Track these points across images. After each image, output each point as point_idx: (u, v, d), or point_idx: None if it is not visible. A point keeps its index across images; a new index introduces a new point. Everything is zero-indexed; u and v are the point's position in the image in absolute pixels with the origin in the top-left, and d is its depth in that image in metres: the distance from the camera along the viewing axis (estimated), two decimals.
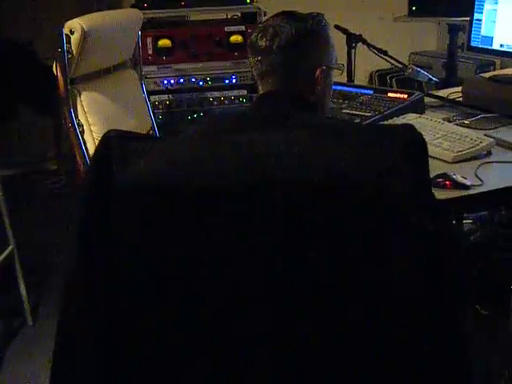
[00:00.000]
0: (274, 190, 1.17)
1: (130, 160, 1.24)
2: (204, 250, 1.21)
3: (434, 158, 2.14)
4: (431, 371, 1.21)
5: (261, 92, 1.65)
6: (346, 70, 3.23)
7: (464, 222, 3.63)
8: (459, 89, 2.82)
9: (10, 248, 3.01)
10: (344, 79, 3.22)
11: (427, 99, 2.82)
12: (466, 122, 2.51)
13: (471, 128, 2.42)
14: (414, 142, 1.21)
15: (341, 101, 2.69)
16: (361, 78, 4.99)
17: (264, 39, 1.62)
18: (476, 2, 2.81)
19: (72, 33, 2.42)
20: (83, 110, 2.51)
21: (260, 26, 1.67)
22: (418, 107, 2.62)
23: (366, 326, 1.20)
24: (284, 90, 1.60)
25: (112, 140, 1.27)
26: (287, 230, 1.18)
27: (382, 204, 1.17)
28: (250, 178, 1.20)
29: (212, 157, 1.24)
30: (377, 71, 5.22)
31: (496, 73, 2.97)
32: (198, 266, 1.21)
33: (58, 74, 2.48)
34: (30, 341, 2.97)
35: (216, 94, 3.59)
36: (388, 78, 5.10)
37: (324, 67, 1.64)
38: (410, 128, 1.25)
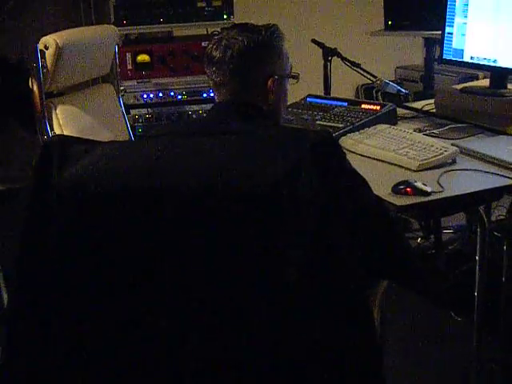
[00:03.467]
0: (164, 196, 1.23)
1: (68, 163, 1.29)
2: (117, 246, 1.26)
3: (399, 166, 2.19)
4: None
5: (216, 102, 1.71)
6: (322, 83, 3.29)
7: (444, 231, 3.67)
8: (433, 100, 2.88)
9: None
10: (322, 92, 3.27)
11: (403, 111, 2.87)
12: (435, 132, 2.56)
13: (440, 138, 2.47)
14: (322, 143, 1.25)
15: (315, 113, 2.74)
16: (347, 91, 5.04)
17: (218, 51, 1.68)
18: (447, 16, 2.87)
19: (46, 48, 2.48)
20: (59, 122, 2.57)
21: (216, 37, 1.73)
22: (390, 118, 2.67)
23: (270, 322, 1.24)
24: (236, 100, 1.66)
25: (53, 144, 1.32)
26: (170, 234, 1.24)
27: (282, 206, 1.21)
28: (144, 183, 1.25)
29: (129, 161, 1.30)
30: (363, 85, 5.27)
31: (467, 84, 3.02)
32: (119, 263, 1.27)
33: (34, 87, 2.54)
34: None
35: (194, 107, 3.65)
36: (374, 91, 5.15)
37: (276, 77, 1.70)
38: (321, 131, 1.30)
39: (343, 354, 1.24)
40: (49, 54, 2.49)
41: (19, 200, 4.87)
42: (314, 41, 3.35)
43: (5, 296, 3.11)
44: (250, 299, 1.23)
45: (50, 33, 2.59)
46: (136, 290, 1.27)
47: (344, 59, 3.12)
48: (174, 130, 1.62)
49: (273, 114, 1.71)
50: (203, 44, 3.68)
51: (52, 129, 2.56)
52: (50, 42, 2.48)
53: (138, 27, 3.66)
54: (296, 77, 1.79)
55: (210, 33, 3.95)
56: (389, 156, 2.25)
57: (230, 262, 1.24)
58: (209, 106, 3.64)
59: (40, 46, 2.49)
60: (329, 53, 3.26)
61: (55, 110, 2.59)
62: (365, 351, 1.25)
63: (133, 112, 3.52)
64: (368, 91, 5.24)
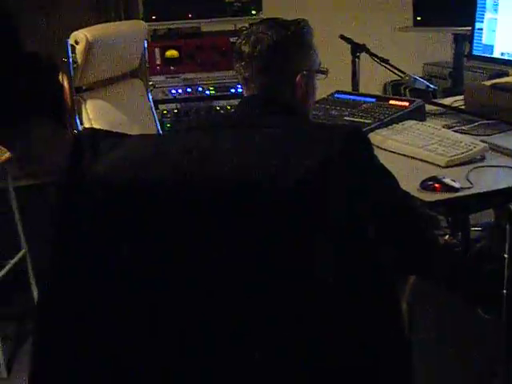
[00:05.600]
0: (194, 190, 1.23)
1: (99, 156, 1.30)
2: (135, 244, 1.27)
3: (427, 162, 2.18)
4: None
5: (244, 96, 1.71)
6: (350, 79, 3.29)
7: (472, 229, 3.64)
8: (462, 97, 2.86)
9: (23, 252, 3.10)
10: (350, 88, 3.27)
11: (431, 107, 2.85)
12: (464, 128, 2.54)
13: (469, 134, 2.45)
14: (352, 138, 1.25)
15: (343, 108, 2.74)
16: (374, 88, 5.03)
17: (247, 45, 1.68)
18: (477, 12, 2.85)
19: (77, 43, 2.51)
20: (88, 117, 2.59)
21: (245, 32, 1.73)
22: (419, 114, 2.65)
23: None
24: (264, 95, 1.66)
25: (83, 137, 1.33)
26: (199, 229, 1.24)
27: (311, 201, 1.21)
28: (174, 177, 1.26)
29: (159, 154, 1.30)
30: (390, 81, 5.24)
31: (497, 80, 2.99)
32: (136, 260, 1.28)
33: (65, 82, 2.57)
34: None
35: (222, 102, 3.66)
36: (401, 88, 5.13)
37: (305, 72, 1.70)
38: (351, 126, 1.29)
39: (372, 349, 1.24)
40: (79, 49, 2.51)
41: (48, 194, 4.93)
42: (342, 37, 3.35)
43: (34, 291, 3.15)
44: (279, 294, 1.23)
45: (79, 28, 2.62)
46: (165, 287, 1.28)
47: (372, 55, 3.11)
48: (203, 124, 1.62)
49: (301, 110, 1.71)
50: (231, 39, 3.69)
51: (82, 123, 2.59)
52: (80, 37, 2.51)
53: (166, 23, 3.68)
54: (325, 72, 1.79)
55: (238, 28, 3.96)
56: (417, 152, 2.24)
57: (260, 256, 1.24)
58: (236, 102, 3.65)
59: (71, 41, 2.51)
60: (357, 49, 3.26)
61: (85, 104, 2.61)
62: (394, 347, 1.25)
63: (161, 107, 3.54)
64: (396, 87, 5.22)
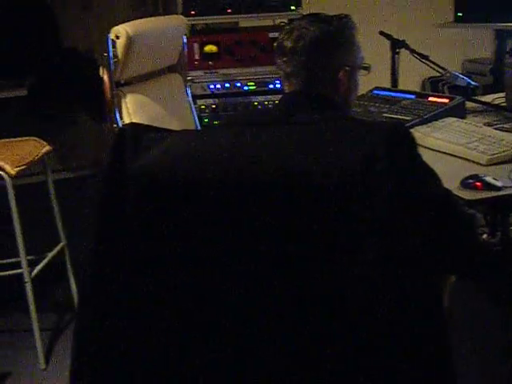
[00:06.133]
0: (235, 186, 1.23)
1: (141, 151, 1.31)
2: (186, 238, 1.27)
3: (468, 160, 2.16)
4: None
5: (286, 92, 1.71)
6: (390, 75, 3.26)
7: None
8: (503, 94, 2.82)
9: (61, 245, 3.13)
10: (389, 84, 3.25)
11: (472, 104, 2.82)
12: (506, 126, 2.51)
13: (511, 132, 2.42)
14: (397, 134, 1.24)
15: (382, 105, 2.73)
16: (412, 84, 4.99)
17: (289, 41, 1.68)
18: None
19: (117, 38, 2.52)
20: (128, 111, 2.61)
21: (287, 27, 1.73)
22: (459, 111, 2.63)
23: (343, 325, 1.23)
24: (306, 91, 1.66)
25: (126, 132, 1.34)
26: (241, 225, 1.24)
27: (354, 197, 1.20)
28: (216, 173, 1.25)
29: (203, 150, 1.30)
30: (429, 78, 5.20)
31: None
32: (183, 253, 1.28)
33: (105, 77, 2.59)
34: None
35: (260, 98, 3.65)
36: (440, 84, 5.08)
37: (348, 68, 1.69)
38: (395, 123, 1.28)
39: (414, 347, 1.23)
40: (120, 43, 2.53)
41: (86, 187, 4.99)
42: (381, 33, 3.32)
43: (72, 284, 3.19)
44: (321, 291, 1.23)
45: (118, 23, 2.64)
46: (207, 281, 1.28)
47: (413, 51, 3.09)
48: (245, 120, 1.62)
49: (343, 106, 1.71)
50: (270, 35, 3.68)
51: (121, 117, 2.61)
52: (121, 32, 2.52)
53: (205, 18, 3.68)
54: (367, 68, 1.78)
55: (276, 24, 3.95)
56: (458, 150, 2.22)
57: (302, 252, 1.24)
58: (275, 97, 3.66)
59: (111, 35, 2.53)
60: (397, 45, 3.23)
61: (125, 98, 2.63)
62: (435, 345, 1.24)
63: (199, 102, 3.55)
64: (434, 84, 5.17)
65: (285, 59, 1.69)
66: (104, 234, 1.38)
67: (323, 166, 1.22)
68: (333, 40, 1.68)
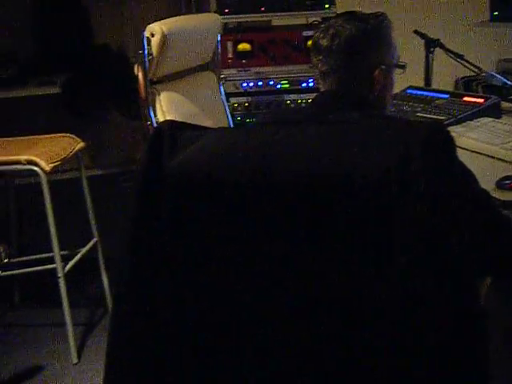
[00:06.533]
0: (273, 184, 1.23)
1: (178, 148, 1.32)
2: (222, 237, 1.27)
3: (503, 160, 2.14)
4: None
5: (321, 91, 1.70)
6: (423, 74, 3.24)
7: None
8: None
9: (94, 241, 3.16)
10: (422, 84, 3.23)
11: (507, 104, 2.79)
12: None
13: None
14: (435, 134, 1.23)
15: (416, 104, 2.71)
16: (445, 84, 4.94)
17: (325, 39, 1.67)
18: None
19: (152, 35, 2.54)
20: (161, 109, 2.62)
21: (323, 26, 1.72)
22: (494, 111, 2.60)
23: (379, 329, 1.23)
24: (341, 89, 1.65)
25: (163, 129, 1.34)
26: (281, 224, 1.24)
27: (391, 196, 1.19)
28: (253, 171, 1.25)
29: (238, 148, 1.30)
30: (462, 77, 5.15)
31: None
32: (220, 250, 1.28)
33: (139, 74, 2.60)
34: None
35: (293, 96, 3.65)
36: (474, 84, 5.03)
37: (384, 67, 1.68)
38: (434, 122, 1.27)
39: (450, 350, 1.22)
40: (154, 41, 2.54)
41: (118, 184, 5.02)
42: (416, 32, 3.30)
43: (105, 279, 3.21)
44: (357, 291, 1.23)
45: (150, 21, 2.65)
46: (246, 280, 1.28)
47: (447, 50, 3.06)
48: (280, 118, 1.62)
49: (378, 105, 1.69)
50: (304, 33, 3.68)
51: (155, 115, 2.62)
52: (156, 30, 2.53)
53: (239, 16, 3.68)
54: (403, 67, 1.76)
55: (310, 22, 3.94)
56: (493, 150, 2.20)
57: (336, 251, 1.23)
58: (307, 96, 3.65)
59: (146, 33, 2.54)
60: (431, 44, 3.21)
61: (159, 96, 2.64)
62: (473, 347, 1.23)
63: (232, 100, 3.55)
64: (468, 84, 5.11)
65: (320, 57, 1.69)
66: (139, 232, 1.39)
67: (358, 164, 1.22)
68: (369, 38, 1.66)
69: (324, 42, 1.67)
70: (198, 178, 1.29)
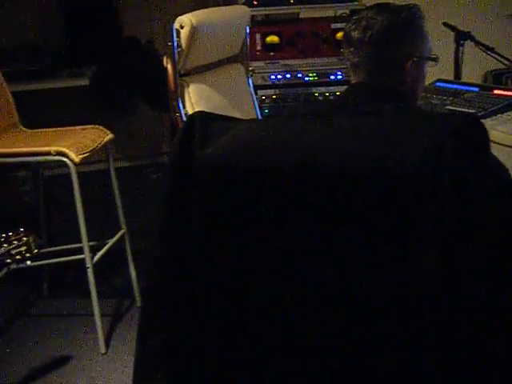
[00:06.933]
0: (304, 176, 1.22)
1: (209, 139, 1.32)
2: (259, 227, 1.27)
3: None
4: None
5: (352, 82, 1.70)
6: (453, 67, 3.22)
7: None
8: None
9: (122, 232, 3.17)
10: (451, 76, 3.20)
11: None
12: None
13: None
14: (468, 126, 1.21)
15: (445, 97, 2.69)
16: (474, 77, 4.90)
17: (357, 31, 1.66)
18: None
19: (182, 27, 2.54)
20: (190, 101, 2.63)
21: (355, 17, 1.71)
22: None
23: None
24: (373, 81, 1.64)
25: (195, 120, 1.35)
26: (318, 214, 1.23)
27: (422, 189, 1.18)
28: (285, 162, 1.25)
29: (271, 139, 1.30)
30: (492, 71, 5.10)
31: None
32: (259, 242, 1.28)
33: (168, 66, 2.61)
34: (137, 321, 3.09)
35: (321, 89, 3.64)
36: (504, 77, 4.98)
37: (415, 59, 1.67)
38: (467, 114, 1.25)
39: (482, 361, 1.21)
40: (184, 33, 2.54)
41: (145, 175, 5.05)
42: (445, 24, 3.28)
43: (132, 270, 3.23)
44: (385, 288, 1.22)
45: (177, 13, 2.65)
46: (279, 275, 1.28)
47: (478, 43, 3.04)
48: (310, 109, 1.61)
49: (410, 97, 1.68)
50: (332, 26, 3.67)
51: (184, 107, 2.62)
52: (185, 22, 2.53)
53: (267, 8, 3.68)
54: (435, 59, 1.75)
55: (338, 15, 3.93)
56: None
57: (365, 245, 1.23)
58: (336, 88, 3.65)
59: (176, 25, 2.55)
60: (462, 36, 3.19)
61: (188, 88, 2.64)
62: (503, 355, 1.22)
63: (260, 92, 3.55)
64: (497, 77, 5.07)
65: (352, 49, 1.68)
66: (169, 223, 1.39)
67: (391, 157, 1.21)
68: (401, 30, 1.65)
69: (356, 34, 1.66)
70: (231, 168, 1.29)
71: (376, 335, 1.25)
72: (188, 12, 2.64)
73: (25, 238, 2.45)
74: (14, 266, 2.51)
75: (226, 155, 1.30)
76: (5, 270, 2.86)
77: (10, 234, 2.43)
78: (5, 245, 2.41)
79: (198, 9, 2.81)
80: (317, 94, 3.64)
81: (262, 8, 3.67)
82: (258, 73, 3.56)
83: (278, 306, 1.30)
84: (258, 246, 1.29)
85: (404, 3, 1.75)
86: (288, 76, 3.65)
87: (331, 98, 3.61)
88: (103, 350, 2.90)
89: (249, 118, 2.91)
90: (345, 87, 3.59)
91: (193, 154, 1.34)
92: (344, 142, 1.26)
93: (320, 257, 1.25)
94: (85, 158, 2.80)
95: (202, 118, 1.39)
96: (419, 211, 1.20)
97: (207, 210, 1.32)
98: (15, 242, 2.42)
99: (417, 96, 1.72)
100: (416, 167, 1.19)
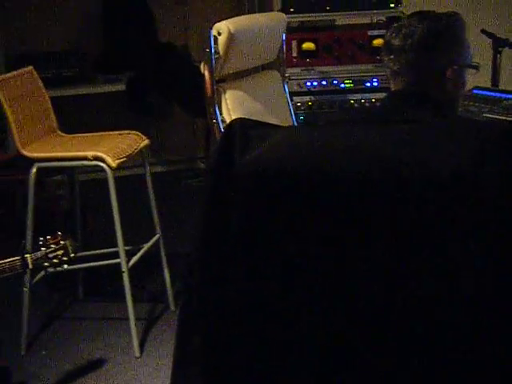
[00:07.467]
0: (354, 181, 1.22)
1: (249, 146, 1.32)
2: (311, 237, 1.27)
3: None
4: None
5: (392, 90, 1.69)
6: (489, 74, 3.19)
7: None
8: None
9: (157, 237, 3.19)
10: (488, 84, 3.18)
11: None
12: None
13: None
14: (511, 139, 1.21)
15: (483, 105, 2.67)
16: (510, 85, 4.85)
17: (397, 38, 1.66)
18: None
19: (219, 34, 2.55)
20: (227, 107, 2.63)
21: (395, 25, 1.71)
22: None
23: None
24: (412, 89, 1.63)
25: (234, 127, 1.35)
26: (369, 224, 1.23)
27: (464, 197, 1.18)
28: (327, 170, 1.25)
29: (314, 146, 1.30)
30: None
31: None
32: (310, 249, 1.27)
33: (206, 73, 2.62)
34: (171, 325, 3.12)
35: (357, 96, 3.62)
36: None
37: (456, 67, 1.66)
38: (509, 126, 1.25)
39: None
40: (221, 39, 2.55)
41: (180, 181, 5.07)
42: (483, 31, 3.25)
43: (167, 276, 3.24)
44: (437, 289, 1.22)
45: (213, 20, 2.66)
46: (313, 283, 1.28)
47: None
48: (352, 117, 1.61)
49: (450, 105, 1.68)
50: (369, 33, 3.65)
51: (221, 113, 2.63)
52: (222, 29, 2.55)
53: (305, 15, 3.68)
54: (476, 67, 1.74)
55: (374, 22, 3.92)
56: None
57: (414, 251, 1.23)
58: (371, 95, 3.63)
59: (213, 32, 2.56)
60: (500, 43, 3.16)
61: (224, 95, 2.66)
62: None
63: (295, 99, 3.55)
64: None
65: (392, 57, 1.68)
66: (210, 229, 1.40)
67: (433, 165, 1.21)
68: (442, 38, 1.65)
69: (396, 42, 1.66)
70: (273, 174, 1.29)
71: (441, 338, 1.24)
72: (223, 18, 2.66)
73: (62, 242, 2.48)
74: (51, 270, 2.54)
75: (266, 162, 1.31)
76: (42, 274, 2.89)
77: (48, 237, 2.47)
78: (43, 248, 2.44)
79: (234, 15, 2.82)
80: (352, 101, 3.62)
81: (299, 15, 3.67)
82: (294, 79, 3.55)
83: (318, 311, 1.30)
84: (297, 251, 1.29)
85: (441, 10, 1.75)
86: (324, 83, 3.64)
87: (367, 105, 3.59)
88: (137, 354, 2.92)
89: (285, 124, 2.91)
90: (380, 94, 3.59)
91: (233, 160, 1.34)
92: (387, 151, 1.25)
93: (375, 263, 1.25)
94: (121, 163, 2.82)
95: (242, 125, 1.40)
96: (463, 218, 1.20)
97: (247, 217, 1.32)
98: (53, 246, 2.45)
99: (457, 104, 1.72)
100: (459, 175, 1.19)
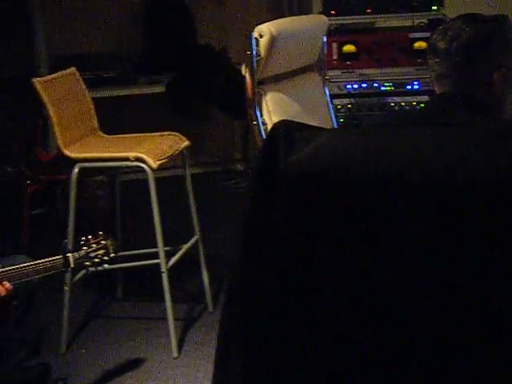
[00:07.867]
0: (393, 187, 1.21)
1: (294, 148, 1.31)
2: (360, 240, 1.26)
3: None
4: None
5: (437, 93, 1.68)
6: None
7: None
8: None
9: (195, 238, 3.21)
10: None
11: None
12: None
13: None
14: None
15: None
16: None
17: (443, 41, 1.65)
18: None
19: (261, 36, 2.56)
20: (268, 109, 2.64)
21: (441, 28, 1.70)
22: None
23: None
24: (458, 92, 1.62)
25: (279, 129, 1.35)
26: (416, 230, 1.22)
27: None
28: (373, 173, 1.24)
29: (355, 149, 1.29)
30: None
31: None
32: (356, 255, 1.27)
33: (247, 75, 2.63)
34: (210, 326, 3.14)
35: (397, 99, 3.60)
36: None
37: (503, 70, 1.64)
38: None
39: None
40: (263, 42, 2.56)
41: (218, 182, 5.09)
42: None
43: (205, 277, 3.26)
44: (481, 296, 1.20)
45: (252, 22, 2.66)
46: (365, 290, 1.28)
47: None
48: (396, 119, 1.60)
49: (498, 107, 1.66)
50: (410, 35, 3.64)
51: (261, 115, 2.64)
52: (264, 31, 2.55)
53: (346, 18, 3.68)
54: None
55: (415, 24, 3.89)
56: None
57: (454, 255, 1.22)
58: (412, 98, 3.60)
59: (255, 34, 2.57)
60: None
61: (265, 97, 2.66)
62: None
63: (335, 102, 3.54)
64: None
65: (437, 60, 1.66)
66: (253, 232, 1.39)
67: (480, 169, 1.19)
68: (488, 41, 1.63)
69: (442, 45, 1.65)
70: (319, 176, 1.29)
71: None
72: (262, 20, 2.66)
73: (103, 242, 2.50)
74: (92, 269, 2.57)
75: (313, 164, 1.30)
76: (83, 273, 2.92)
77: (90, 237, 2.49)
78: (84, 248, 2.47)
79: (273, 17, 2.83)
80: (393, 104, 3.61)
81: (339, 17, 3.66)
82: (334, 82, 3.55)
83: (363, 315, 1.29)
84: (343, 255, 1.28)
85: (485, 12, 1.73)
86: (364, 85, 3.63)
87: (407, 108, 3.57)
88: (175, 354, 2.93)
89: (325, 126, 2.91)
90: (422, 97, 3.56)
91: (277, 162, 1.34)
92: (433, 155, 1.24)
93: (420, 263, 1.24)
94: (162, 164, 2.84)
95: (286, 127, 1.40)
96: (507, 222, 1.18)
97: (292, 219, 1.32)
98: (94, 246, 2.48)
99: (504, 107, 1.70)
100: (506, 180, 1.18)
